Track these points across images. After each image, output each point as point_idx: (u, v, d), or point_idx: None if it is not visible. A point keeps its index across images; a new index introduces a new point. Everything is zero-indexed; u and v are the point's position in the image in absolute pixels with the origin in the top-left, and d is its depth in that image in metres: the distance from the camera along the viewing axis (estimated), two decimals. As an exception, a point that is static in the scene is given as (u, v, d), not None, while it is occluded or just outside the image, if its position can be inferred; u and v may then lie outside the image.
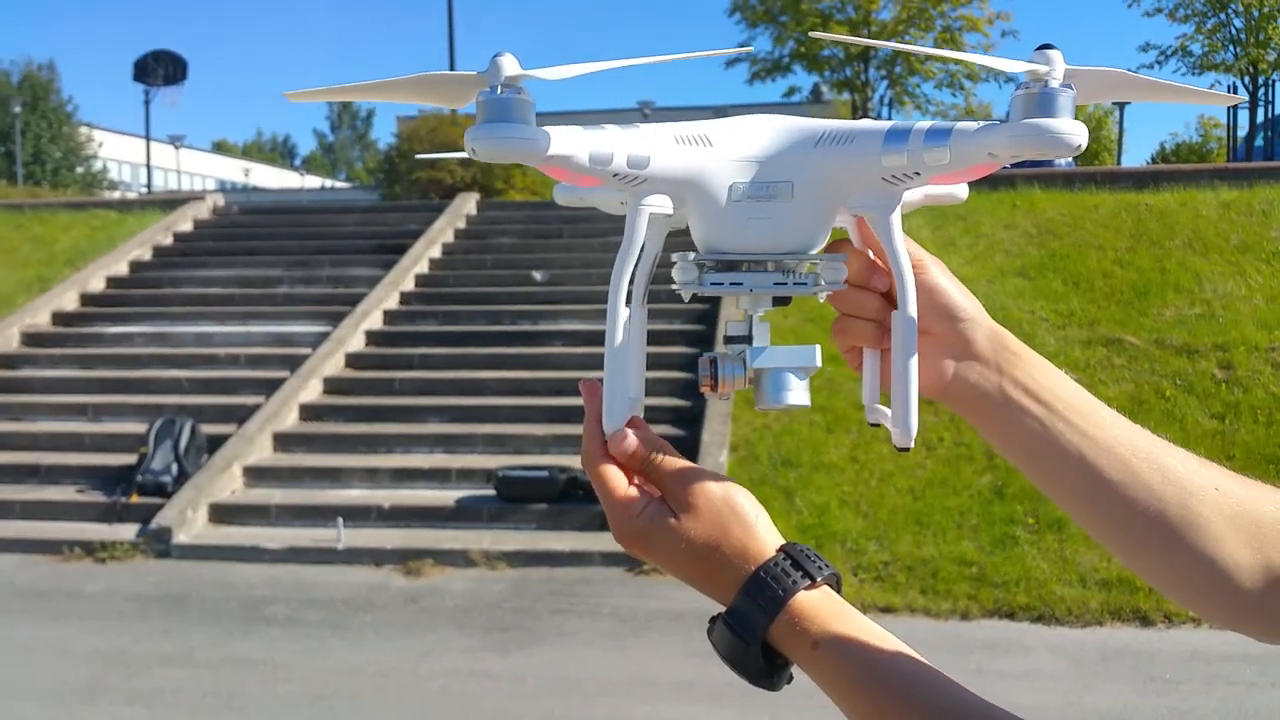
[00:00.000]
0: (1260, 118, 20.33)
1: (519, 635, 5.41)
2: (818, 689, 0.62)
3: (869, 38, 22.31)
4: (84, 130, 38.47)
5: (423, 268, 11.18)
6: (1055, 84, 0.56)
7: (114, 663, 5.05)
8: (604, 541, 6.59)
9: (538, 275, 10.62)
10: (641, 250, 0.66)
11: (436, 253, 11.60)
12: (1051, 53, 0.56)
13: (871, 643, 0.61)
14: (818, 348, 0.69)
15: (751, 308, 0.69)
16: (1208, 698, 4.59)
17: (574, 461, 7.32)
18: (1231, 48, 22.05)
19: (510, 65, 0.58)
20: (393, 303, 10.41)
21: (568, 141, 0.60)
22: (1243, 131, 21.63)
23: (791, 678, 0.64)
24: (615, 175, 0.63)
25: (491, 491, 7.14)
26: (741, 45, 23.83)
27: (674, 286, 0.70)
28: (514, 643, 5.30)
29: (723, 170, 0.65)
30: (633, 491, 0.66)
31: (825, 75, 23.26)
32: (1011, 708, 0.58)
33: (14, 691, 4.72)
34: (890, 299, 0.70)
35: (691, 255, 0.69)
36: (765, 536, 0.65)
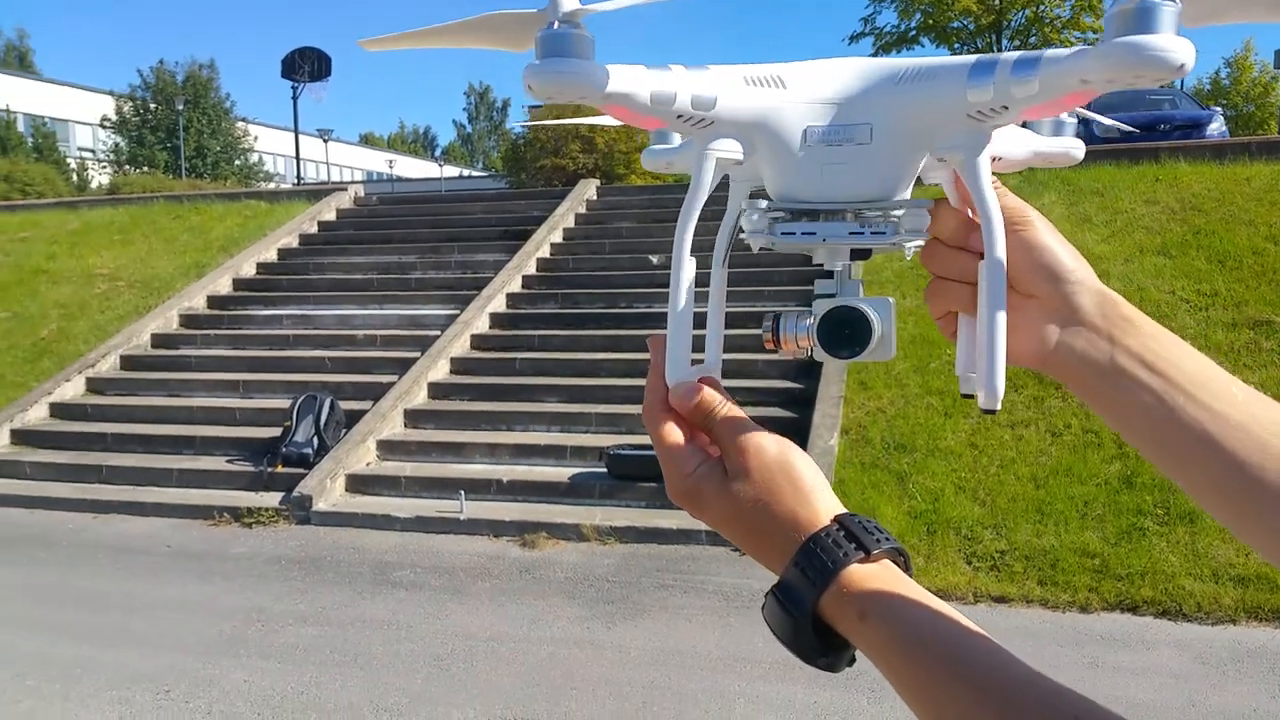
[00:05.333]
0: None
1: (625, 608, 5.55)
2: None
3: (999, 12, 21.24)
4: (240, 125, 40.69)
5: (544, 252, 11.47)
6: None
7: (254, 620, 5.46)
8: (713, 520, 6.66)
9: (654, 259, 10.72)
10: (711, 206, 0.63)
11: (558, 238, 11.88)
12: None
13: (924, 613, 0.57)
14: (892, 299, 0.65)
15: (829, 260, 0.65)
16: (1350, 704, 4.32)
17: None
18: None
19: (568, 1, 0.56)
20: (515, 286, 10.74)
21: (628, 79, 0.58)
22: None
23: (854, 659, 0.60)
24: (679, 117, 0.60)
25: (603, 469, 7.31)
26: (865, 19, 22.97)
27: (742, 235, 0.66)
28: (620, 614, 5.45)
29: (796, 113, 0.61)
30: (688, 447, 0.64)
31: (955, 48, 22.24)
32: (1127, 703, 0.54)
33: (163, 644, 5.17)
34: None
35: (763, 203, 0.65)
36: (820, 505, 0.61)
